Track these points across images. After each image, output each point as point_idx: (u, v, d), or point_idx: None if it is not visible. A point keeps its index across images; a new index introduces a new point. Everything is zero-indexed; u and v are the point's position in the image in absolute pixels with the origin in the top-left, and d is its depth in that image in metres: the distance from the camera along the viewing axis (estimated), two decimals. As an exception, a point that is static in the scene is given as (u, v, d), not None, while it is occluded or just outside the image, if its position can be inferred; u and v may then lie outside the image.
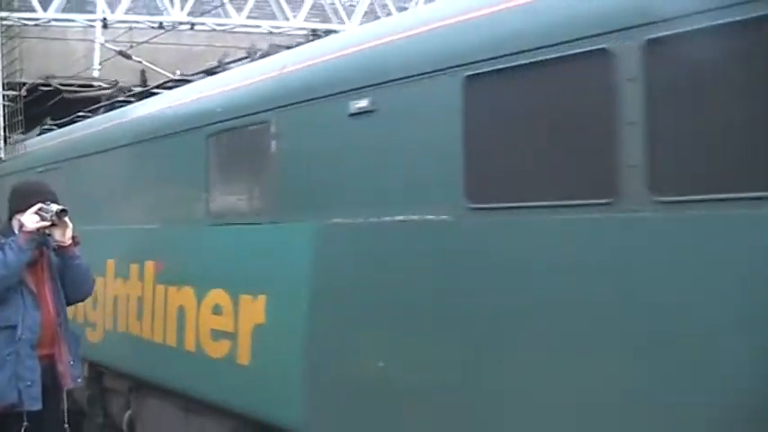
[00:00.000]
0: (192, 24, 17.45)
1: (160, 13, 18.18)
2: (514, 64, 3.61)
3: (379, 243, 4.34)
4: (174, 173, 6.31)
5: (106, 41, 14.11)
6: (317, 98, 4.77)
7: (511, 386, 3.59)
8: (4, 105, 14.61)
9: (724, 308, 2.92)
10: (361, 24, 18.37)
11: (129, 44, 14.17)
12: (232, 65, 6.91)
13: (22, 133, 12.36)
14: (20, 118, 13.69)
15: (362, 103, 4.39)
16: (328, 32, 6.76)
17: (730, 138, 3.00)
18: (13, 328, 5.06)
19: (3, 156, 12.36)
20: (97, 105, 9.57)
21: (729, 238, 2.93)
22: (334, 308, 4.64)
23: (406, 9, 16.95)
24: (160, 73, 11.06)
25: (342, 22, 19.64)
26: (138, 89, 9.14)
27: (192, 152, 5.91)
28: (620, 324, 3.20)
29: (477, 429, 3.71)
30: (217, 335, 5.55)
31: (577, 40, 3.37)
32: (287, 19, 19.13)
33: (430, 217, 3.99)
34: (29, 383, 5.04)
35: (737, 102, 2.99)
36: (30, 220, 5.11)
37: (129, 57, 12.17)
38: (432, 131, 4.01)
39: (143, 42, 14.71)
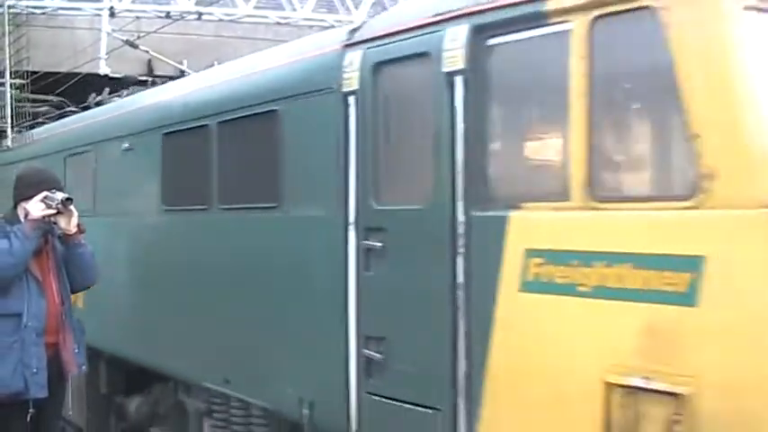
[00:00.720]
0: (200, 14, 17.16)
1: (167, 3, 17.73)
2: (176, 129, 6.37)
3: (133, 229, 7.16)
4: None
5: (113, 31, 14.00)
6: (112, 138, 7.54)
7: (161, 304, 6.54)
8: (11, 94, 14.77)
9: (222, 264, 5.72)
10: (368, 14, 17.58)
11: (136, 34, 14.10)
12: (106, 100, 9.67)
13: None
14: (27, 106, 14.19)
15: (126, 144, 7.16)
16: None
17: (241, 178, 5.70)
18: (18, 315, 5.09)
19: (11, 144, 12.64)
20: (33, 121, 12.34)
21: (242, 226, 5.66)
22: (123, 272, 7.42)
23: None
24: (167, 63, 11.83)
25: (349, 12, 19.31)
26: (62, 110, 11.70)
27: (57, 168, 8.73)
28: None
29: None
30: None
31: (200, 118, 6.07)
32: (294, 9, 18.84)
33: (149, 214, 6.76)
34: (35, 371, 5.05)
35: (254, 159, 5.63)
36: (35, 208, 5.13)
37: (135, 46, 12.36)
38: (150, 164, 6.76)
39: (151, 32, 14.61)
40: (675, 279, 3.26)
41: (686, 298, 3.22)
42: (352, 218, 4.64)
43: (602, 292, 3.49)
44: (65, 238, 5.34)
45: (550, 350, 3.67)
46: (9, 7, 15.61)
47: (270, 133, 5.28)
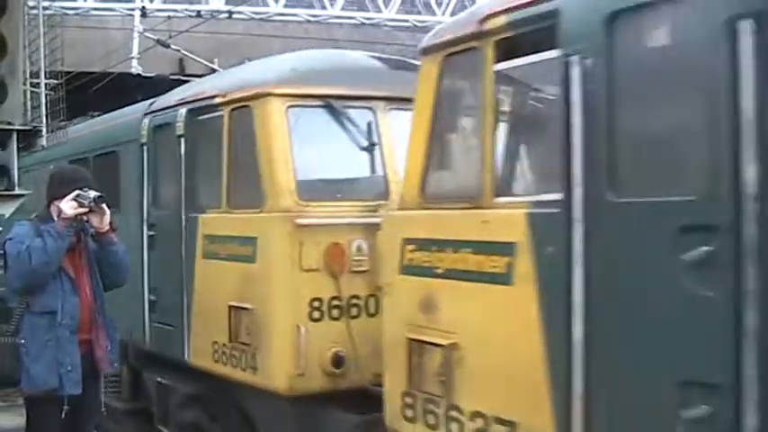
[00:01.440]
0: (231, 13, 17.71)
1: (198, 2, 18.67)
2: (76, 158, 9.50)
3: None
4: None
5: (145, 30, 14.37)
6: (49, 160, 10.67)
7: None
8: (46, 94, 15.28)
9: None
10: (397, 13, 19.04)
11: (167, 33, 14.43)
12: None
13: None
14: (62, 106, 14.57)
15: (52, 166, 10.34)
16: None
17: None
18: (53, 313, 5.15)
19: (45, 143, 13.63)
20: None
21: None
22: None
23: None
24: (198, 62, 12.44)
25: (379, 10, 20.10)
26: None
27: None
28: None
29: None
30: None
31: (85, 152, 9.28)
32: (324, 8, 19.78)
33: None
34: (69, 368, 5.09)
35: (110, 180, 8.73)
36: (68, 206, 5.16)
37: (167, 46, 12.72)
38: None
39: (183, 32, 14.80)
40: (248, 249, 6.33)
41: (251, 259, 6.29)
42: (145, 218, 7.80)
43: (227, 258, 6.58)
44: (97, 236, 5.42)
45: (211, 290, 6.78)
46: (44, 8, 16.76)
47: (115, 165, 8.48)
